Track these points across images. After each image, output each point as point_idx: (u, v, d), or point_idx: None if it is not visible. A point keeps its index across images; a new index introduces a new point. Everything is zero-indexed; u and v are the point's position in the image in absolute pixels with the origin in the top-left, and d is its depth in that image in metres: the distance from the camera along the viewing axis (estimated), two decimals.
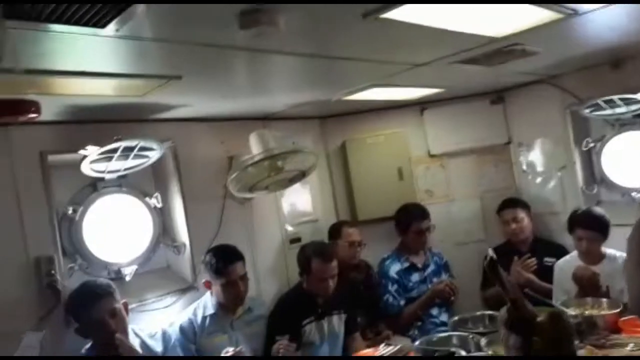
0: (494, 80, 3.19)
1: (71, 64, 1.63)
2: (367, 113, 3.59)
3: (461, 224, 3.55)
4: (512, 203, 3.30)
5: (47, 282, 2.38)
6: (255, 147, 2.77)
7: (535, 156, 3.47)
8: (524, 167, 3.54)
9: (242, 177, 2.71)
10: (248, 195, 2.96)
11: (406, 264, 3.24)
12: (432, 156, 3.60)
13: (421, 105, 3.58)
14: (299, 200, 3.47)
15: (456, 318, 2.64)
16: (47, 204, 2.46)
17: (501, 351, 1.91)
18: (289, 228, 3.39)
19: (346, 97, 2.85)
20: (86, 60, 1.62)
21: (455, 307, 3.18)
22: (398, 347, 2.07)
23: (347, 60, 2.09)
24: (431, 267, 3.31)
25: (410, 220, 3.23)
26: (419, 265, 3.27)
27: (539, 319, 0.80)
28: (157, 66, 1.83)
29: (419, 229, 3.21)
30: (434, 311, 3.14)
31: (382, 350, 2.06)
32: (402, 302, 3.15)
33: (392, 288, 3.17)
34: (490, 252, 0.82)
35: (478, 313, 2.62)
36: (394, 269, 3.23)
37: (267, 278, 3.22)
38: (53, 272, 2.40)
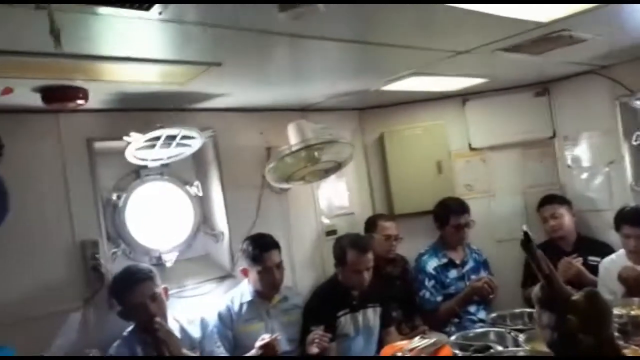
0: (539, 70, 3.09)
1: (116, 49, 1.67)
2: (406, 105, 3.54)
3: (502, 220, 3.45)
4: (551, 199, 3.19)
5: (91, 265, 2.46)
6: (293, 137, 2.79)
7: (581, 150, 3.34)
8: (569, 162, 3.41)
9: (279, 167, 2.73)
10: (285, 186, 2.98)
11: (444, 260, 3.19)
12: (473, 149, 3.52)
13: (463, 96, 3.51)
14: (336, 192, 3.46)
15: (494, 314, 2.58)
16: (93, 190, 2.55)
17: (541, 347, 1.86)
18: (325, 220, 3.39)
19: (385, 86, 2.81)
20: (131, 45, 1.66)
21: (494, 306, 3.09)
22: (433, 340, 2.03)
23: (388, 46, 2.06)
24: (470, 264, 3.24)
25: (449, 214, 3.17)
26: (457, 262, 3.20)
27: (573, 297, 0.76)
28: (198, 52, 1.86)
29: (458, 223, 3.15)
30: (472, 308, 3.07)
31: (417, 342, 2.03)
32: (439, 298, 3.10)
33: (429, 284, 3.12)
34: (525, 227, 0.79)
35: (517, 310, 2.55)
36: (432, 264, 3.18)
37: (303, 269, 3.23)
38: (97, 255, 2.48)
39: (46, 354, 2.28)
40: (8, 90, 2.02)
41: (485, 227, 3.39)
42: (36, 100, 2.13)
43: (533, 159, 3.49)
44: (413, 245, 3.34)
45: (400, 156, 3.52)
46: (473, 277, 3.14)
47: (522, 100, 3.47)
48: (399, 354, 1.93)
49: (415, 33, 1.94)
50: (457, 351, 2.09)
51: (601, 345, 0.71)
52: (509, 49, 2.27)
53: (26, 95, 2.08)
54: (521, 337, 2.01)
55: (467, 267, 3.21)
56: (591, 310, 0.74)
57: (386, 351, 2.03)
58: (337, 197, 3.47)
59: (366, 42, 1.98)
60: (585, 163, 3.34)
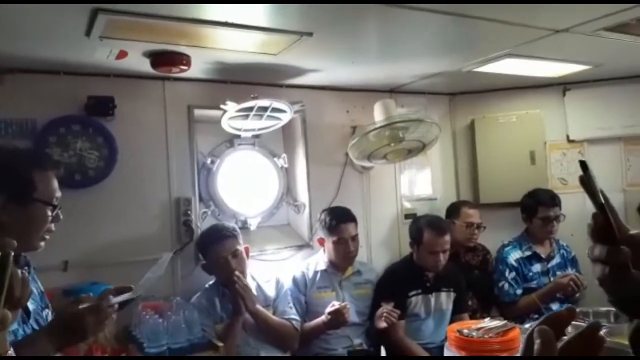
0: None
1: (216, 13, 1.81)
2: (499, 91, 3.42)
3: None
4: None
5: (183, 221, 2.69)
6: (378, 114, 2.82)
7: None
8: None
9: (362, 143, 2.78)
10: (366, 164, 3.02)
11: (528, 253, 3.05)
12: (570, 141, 3.32)
13: (564, 85, 3.31)
14: (419, 176, 3.44)
15: (577, 310, 2.44)
16: (190, 153, 2.78)
17: (623, 341, 1.74)
18: (406, 203, 3.39)
19: (479, 67, 2.73)
20: (229, 9, 1.79)
21: (579, 305, 2.92)
22: (504, 322, 1.97)
23: (483, 20, 2.00)
24: (556, 259, 3.07)
25: (537, 205, 3.02)
26: (543, 256, 3.05)
27: (632, 231, 0.73)
28: (291, 21, 1.94)
29: (547, 216, 2.99)
30: (554, 306, 2.91)
31: (486, 322, 1.98)
32: (519, 291, 2.98)
33: (510, 275, 3.01)
34: (581, 158, 0.76)
35: (603, 309, 2.38)
36: (514, 256, 3.05)
37: (378, 249, 3.26)
38: (189, 212, 2.70)
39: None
40: (123, 54, 2.27)
41: (578, 224, 3.18)
42: (146, 66, 2.37)
43: (636, 154, 3.22)
44: (496, 236, 3.23)
45: (490, 144, 3.41)
46: (559, 273, 2.98)
47: (629, 91, 3.21)
48: (466, 331, 1.91)
49: (515, 7, 1.87)
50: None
51: None
52: (613, 29, 2.12)
53: (138, 60, 2.31)
54: (603, 330, 1.89)
55: (552, 262, 3.05)
56: None
57: (452, 328, 2.00)
58: (420, 181, 3.45)
59: (462, 15, 1.92)
60: None
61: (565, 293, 2.87)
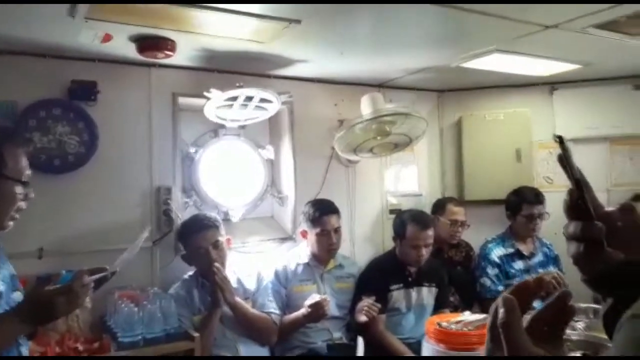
0: (638, 59, 2.85)
1: None
2: (488, 89, 3.42)
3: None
4: (637, 198, 2.93)
5: (163, 210, 2.65)
6: (365, 107, 2.79)
7: None
8: None
9: (349, 136, 2.75)
10: (352, 157, 3.00)
11: (511, 250, 3.05)
12: (557, 141, 3.31)
13: (551, 84, 3.31)
14: (405, 172, 3.43)
15: None
16: (173, 141, 2.73)
17: (601, 335, 1.74)
18: (391, 198, 3.37)
19: (467, 62, 2.71)
20: None
21: None
22: (484, 315, 1.97)
23: (475, 13, 1.98)
24: (538, 257, 3.07)
25: (521, 203, 3.02)
26: (525, 253, 3.05)
27: (607, 208, 0.71)
28: (279, 7, 1.90)
29: (530, 213, 2.99)
30: (536, 303, 2.89)
31: (465, 316, 1.97)
32: (501, 288, 2.97)
33: (492, 272, 3.01)
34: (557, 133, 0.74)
35: (583, 305, 2.37)
36: (497, 253, 3.05)
37: (362, 243, 3.24)
38: (170, 201, 2.66)
39: (112, 287, 2.47)
40: (108, 37, 2.22)
41: (562, 223, 3.17)
42: (131, 51, 2.33)
43: (623, 155, 3.23)
44: (480, 233, 3.23)
45: (477, 141, 3.40)
46: (540, 271, 2.98)
47: (618, 92, 3.22)
48: (445, 323, 1.90)
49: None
50: None
51: (630, 263, 0.65)
52: (603, 26, 2.11)
53: (123, 44, 2.27)
54: (581, 324, 1.89)
55: (535, 260, 3.05)
56: (625, 222, 0.68)
57: (432, 320, 1.99)
58: (406, 176, 3.43)
59: (452, 6, 1.90)
60: None
61: (547, 291, 2.87)
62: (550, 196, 3.13)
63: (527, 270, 3.01)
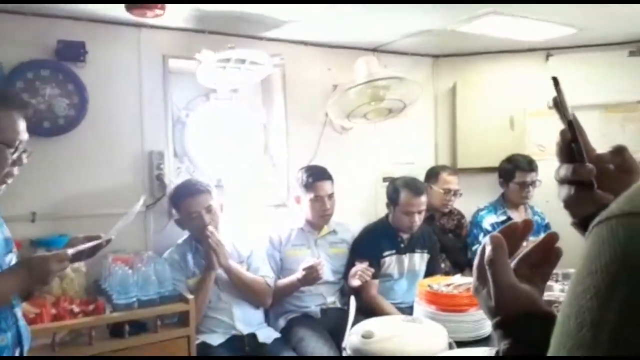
0: (635, 25, 2.82)
1: None
2: (483, 55, 3.37)
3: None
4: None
5: (156, 175, 2.62)
6: (360, 71, 2.76)
7: None
8: None
9: (342, 100, 2.73)
10: (346, 123, 2.98)
11: (502, 217, 3.07)
12: (551, 108, 3.28)
13: (547, 50, 3.28)
14: (398, 139, 3.40)
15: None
16: (164, 104, 2.69)
17: None
18: (384, 166, 3.36)
19: (463, 25, 2.67)
20: None
21: None
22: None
23: None
24: None
25: (514, 170, 3.03)
26: (517, 221, 3.07)
27: (598, 152, 0.70)
28: None
29: (523, 181, 3.01)
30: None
31: (457, 279, 1.99)
32: None
33: (483, 239, 3.03)
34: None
35: (571, 270, 2.42)
36: (489, 220, 3.08)
37: (355, 211, 3.23)
38: (162, 166, 2.63)
39: (107, 252, 2.47)
40: None
41: (553, 191, 3.19)
42: (119, 10, 2.26)
43: (616, 123, 3.24)
44: (472, 201, 3.25)
45: (471, 108, 3.38)
46: (532, 238, 2.99)
47: (613, 58, 3.20)
48: (436, 286, 1.92)
49: None
50: None
51: None
52: None
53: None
54: (558, 286, 1.93)
55: None
56: (617, 164, 0.68)
57: (423, 283, 2.01)
58: (399, 144, 3.42)
59: None
60: None
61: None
62: (543, 164, 3.14)
63: None
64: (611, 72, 3.19)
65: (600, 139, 2.98)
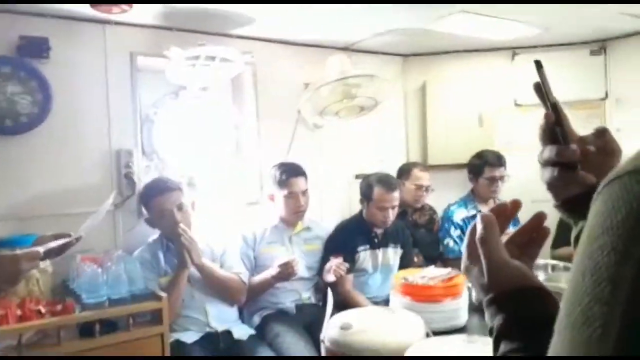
0: (597, 25, 2.93)
1: None
2: (452, 54, 3.44)
3: (540, 181, 3.32)
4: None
5: (125, 173, 2.56)
6: (331, 69, 2.76)
7: (634, 115, 3.17)
8: (618, 127, 3.24)
9: (314, 98, 2.73)
10: (318, 121, 2.98)
11: (473, 212, 3.13)
12: (518, 105, 3.40)
13: (513, 49, 3.37)
14: (369, 137, 3.43)
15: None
16: (132, 103, 2.63)
17: (560, 285, 1.82)
18: (356, 163, 3.38)
19: (433, 24, 2.71)
20: None
21: None
22: (449, 270, 2.01)
23: None
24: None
25: (484, 165, 3.09)
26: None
27: (580, 135, 0.72)
28: None
29: (492, 176, 3.06)
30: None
31: (431, 271, 2.01)
32: (463, 249, 3.05)
33: (455, 233, 3.09)
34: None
35: (542, 261, 2.48)
36: (460, 215, 3.13)
37: (329, 208, 3.25)
38: (131, 164, 2.58)
39: (75, 252, 2.40)
40: None
41: (521, 186, 3.26)
42: (84, 7, 2.21)
43: (580, 120, 3.34)
44: (443, 196, 3.29)
45: (441, 106, 3.44)
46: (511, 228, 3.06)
47: (576, 57, 3.31)
48: (411, 278, 1.93)
49: None
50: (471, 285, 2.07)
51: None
52: None
53: None
54: (541, 275, 1.97)
55: None
56: (600, 146, 0.70)
57: (398, 276, 2.02)
58: (371, 141, 3.44)
59: None
60: (637, 128, 3.16)
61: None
62: (512, 160, 3.21)
63: None
64: (575, 70, 3.29)
65: None
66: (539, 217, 0.73)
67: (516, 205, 0.75)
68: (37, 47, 2.35)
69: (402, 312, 1.70)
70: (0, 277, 1.33)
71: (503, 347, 0.59)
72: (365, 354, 1.41)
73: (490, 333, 0.62)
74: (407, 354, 1.29)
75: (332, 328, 1.34)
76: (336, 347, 1.45)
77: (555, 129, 0.68)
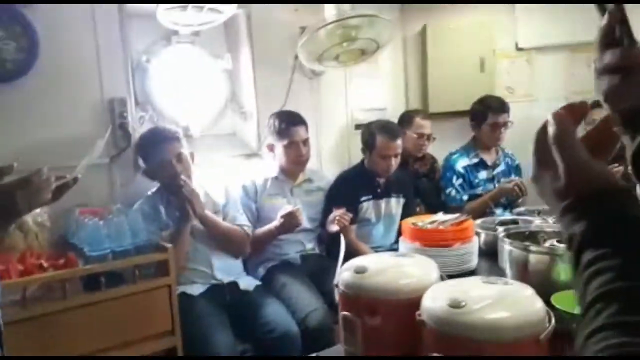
0: None
1: None
2: None
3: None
4: (599, 104, 3.00)
5: (119, 123, 2.46)
6: (329, 11, 2.64)
7: None
8: None
9: (312, 42, 2.61)
10: (316, 66, 2.87)
11: (475, 160, 3.09)
12: (519, 49, 3.31)
13: None
14: (369, 85, 3.34)
15: (521, 209, 2.57)
16: (123, 49, 2.50)
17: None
18: (356, 113, 3.30)
19: None
20: None
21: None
22: (456, 215, 1.98)
23: None
24: (501, 167, 3.13)
25: (487, 111, 3.02)
26: (489, 163, 3.10)
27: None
28: None
29: (495, 122, 3.00)
30: (498, 210, 3.00)
31: (440, 216, 1.98)
32: (465, 197, 3.03)
33: (457, 182, 3.05)
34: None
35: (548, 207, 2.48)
36: (461, 163, 3.08)
37: (329, 159, 3.20)
38: (125, 114, 2.47)
39: (71, 203, 2.32)
40: None
41: (523, 132, 3.20)
42: None
43: (581, 63, 3.27)
44: (444, 145, 3.23)
45: (441, 52, 3.34)
46: (503, 180, 3.05)
47: None
48: (420, 223, 1.90)
49: None
50: (479, 230, 2.05)
51: None
52: None
53: None
54: (551, 219, 1.95)
55: (498, 170, 3.11)
56: None
57: (407, 221, 1.99)
58: (370, 90, 3.35)
59: None
60: None
61: (509, 198, 2.96)
62: (513, 106, 3.14)
63: (490, 180, 3.07)
64: (579, 11, 3.16)
65: (566, 80, 3.00)
66: (607, 122, 0.66)
67: (584, 106, 0.68)
68: None
69: (415, 256, 1.68)
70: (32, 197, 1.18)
71: (588, 256, 0.53)
72: (382, 296, 1.37)
73: (569, 244, 0.56)
74: (427, 295, 1.26)
75: (346, 272, 1.31)
76: (351, 290, 1.42)
77: (620, 28, 0.59)
